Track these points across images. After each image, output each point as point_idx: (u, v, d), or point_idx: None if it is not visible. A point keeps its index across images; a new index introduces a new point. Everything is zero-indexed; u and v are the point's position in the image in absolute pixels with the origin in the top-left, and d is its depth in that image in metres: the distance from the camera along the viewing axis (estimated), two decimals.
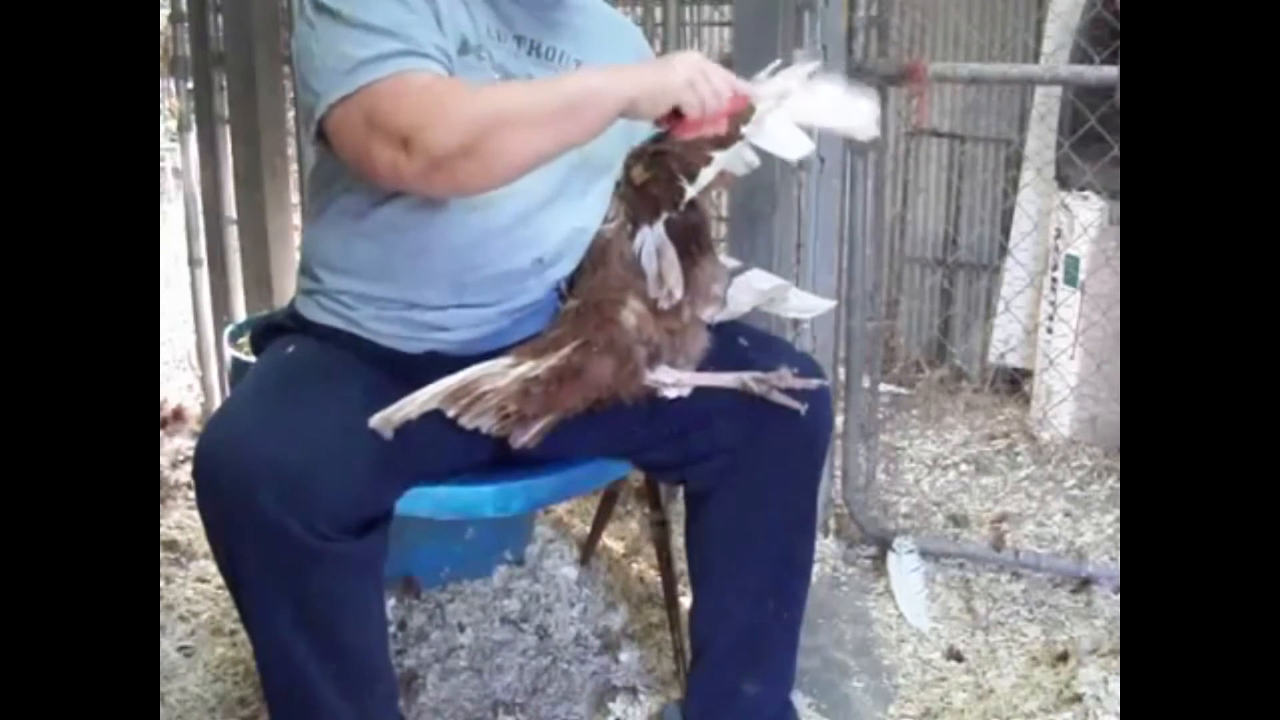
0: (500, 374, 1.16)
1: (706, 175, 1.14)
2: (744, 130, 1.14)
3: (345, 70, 1.10)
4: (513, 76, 1.23)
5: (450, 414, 1.14)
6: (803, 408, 1.24)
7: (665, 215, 1.19)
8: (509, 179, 1.12)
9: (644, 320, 1.21)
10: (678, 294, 1.20)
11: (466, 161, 1.08)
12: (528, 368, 1.16)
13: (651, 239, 1.20)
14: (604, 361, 1.19)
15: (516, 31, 1.25)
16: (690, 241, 1.24)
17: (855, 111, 1.17)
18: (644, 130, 1.30)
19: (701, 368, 1.27)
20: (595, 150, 1.25)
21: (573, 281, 1.29)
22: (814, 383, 1.26)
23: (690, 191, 1.15)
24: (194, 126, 2.37)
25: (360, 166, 1.13)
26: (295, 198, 2.40)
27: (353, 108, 1.10)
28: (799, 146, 1.14)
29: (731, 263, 1.38)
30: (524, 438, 1.19)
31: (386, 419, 1.11)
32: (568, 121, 1.11)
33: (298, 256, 1.34)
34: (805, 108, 1.16)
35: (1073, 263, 2.38)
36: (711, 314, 1.28)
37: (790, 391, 1.25)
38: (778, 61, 1.24)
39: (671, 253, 1.20)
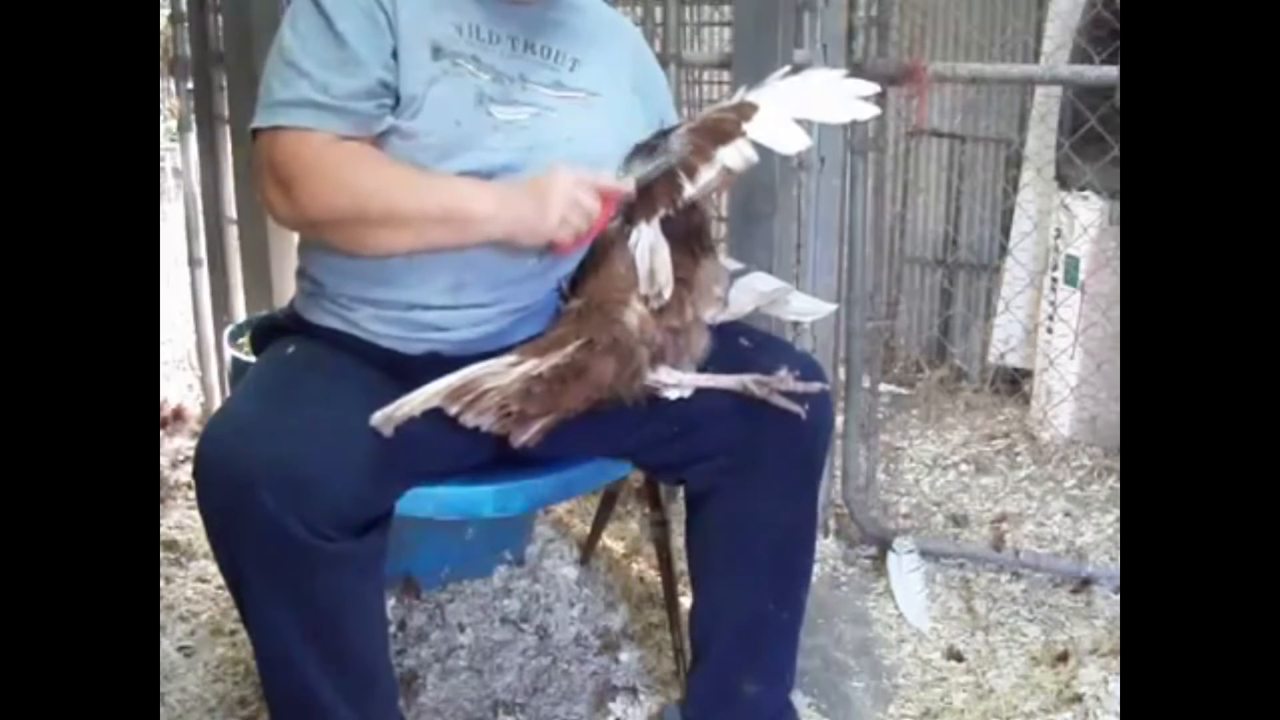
0: (502, 372, 1.16)
1: (707, 173, 1.15)
2: (745, 127, 1.14)
3: (265, 104, 1.18)
4: (505, 77, 1.23)
5: (451, 412, 1.14)
6: (803, 412, 1.24)
7: (663, 213, 1.19)
8: (373, 257, 1.20)
9: (646, 321, 1.20)
10: (667, 294, 1.20)
11: (335, 232, 1.19)
12: (530, 366, 1.16)
13: (646, 236, 1.20)
14: (606, 361, 1.19)
15: (511, 31, 1.25)
16: (692, 242, 1.24)
17: (850, 98, 1.18)
18: (643, 128, 1.31)
19: (703, 368, 1.27)
20: (592, 149, 1.26)
21: (575, 282, 1.29)
22: (815, 386, 1.26)
23: (690, 190, 1.15)
24: (194, 126, 2.36)
25: (258, 191, 1.22)
26: None
27: (261, 140, 1.18)
28: (796, 141, 1.15)
29: (733, 265, 1.38)
30: (524, 436, 1.19)
31: (388, 416, 1.10)
32: (439, 231, 1.17)
33: (297, 257, 1.34)
34: (802, 103, 1.17)
35: (1073, 263, 2.38)
36: (713, 315, 1.28)
37: (791, 394, 1.24)
38: (787, 67, 1.24)
39: (665, 251, 1.20)
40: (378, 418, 1.10)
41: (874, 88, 1.18)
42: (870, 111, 1.18)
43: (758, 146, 1.15)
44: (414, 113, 1.19)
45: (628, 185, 1.19)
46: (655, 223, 1.20)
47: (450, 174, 1.19)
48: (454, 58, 1.21)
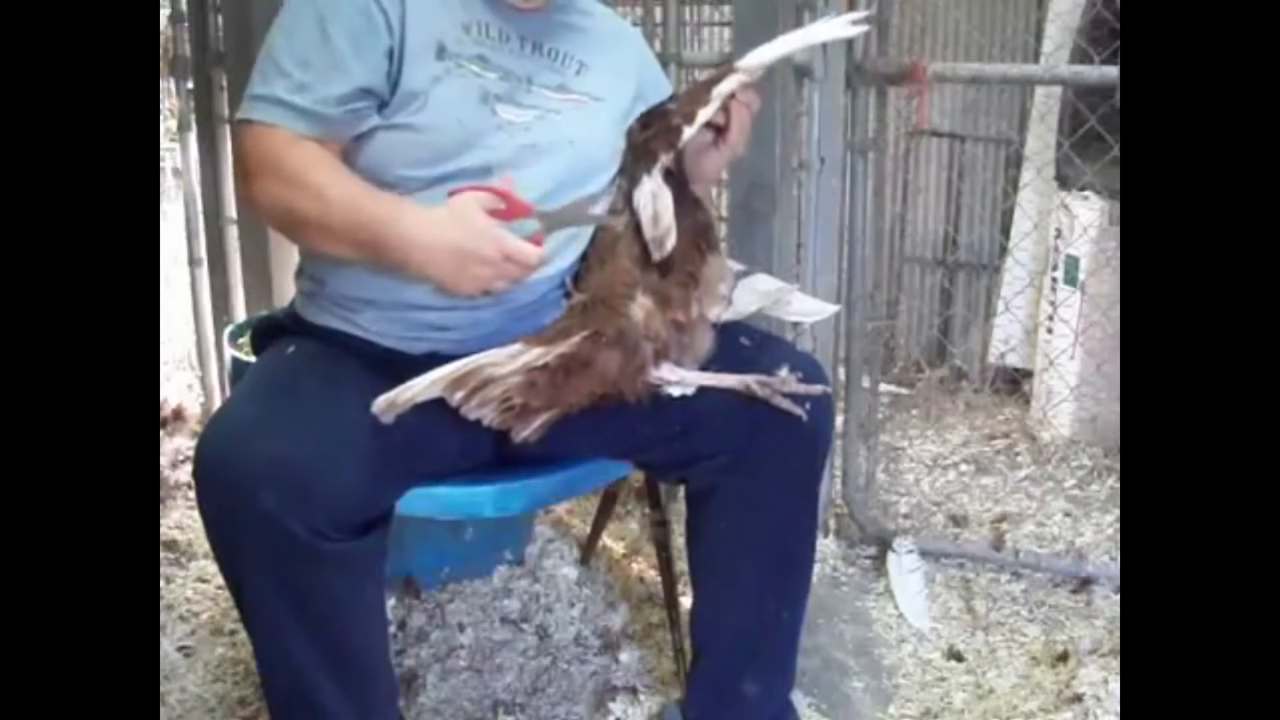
0: (506, 361, 1.15)
1: (704, 114, 1.16)
2: (735, 64, 1.16)
3: (248, 95, 1.19)
4: (514, 76, 1.24)
5: (454, 402, 1.13)
6: (804, 414, 1.24)
7: (664, 160, 1.18)
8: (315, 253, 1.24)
9: (651, 315, 1.20)
10: (670, 243, 1.19)
11: (281, 228, 1.23)
12: (535, 355, 1.15)
13: (647, 185, 1.19)
14: (611, 354, 1.19)
15: (520, 32, 1.26)
16: (699, 239, 1.24)
17: (834, 26, 1.21)
18: None
19: (704, 368, 1.26)
20: (593, 153, 1.26)
21: (579, 276, 1.28)
22: (817, 389, 1.26)
23: (688, 132, 1.16)
24: (194, 126, 2.37)
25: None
26: None
27: (238, 130, 1.20)
28: (787, 44, 1.18)
29: (737, 266, 1.38)
30: (525, 431, 1.18)
31: (391, 401, 1.10)
32: (362, 252, 1.16)
33: (298, 257, 1.34)
34: (789, 39, 1.20)
35: (1073, 263, 2.38)
36: (717, 313, 1.28)
37: (792, 395, 1.24)
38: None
39: (668, 196, 1.19)
40: (380, 403, 1.09)
41: (859, 15, 1.20)
42: (856, 30, 1.20)
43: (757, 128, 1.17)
44: (417, 109, 1.19)
45: (538, 254, 1.15)
46: (656, 173, 1.19)
47: (397, 200, 1.16)
48: (457, 59, 1.21)
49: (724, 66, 1.19)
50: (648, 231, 1.19)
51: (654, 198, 1.18)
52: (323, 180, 1.15)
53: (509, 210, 1.14)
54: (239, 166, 1.22)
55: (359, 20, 1.17)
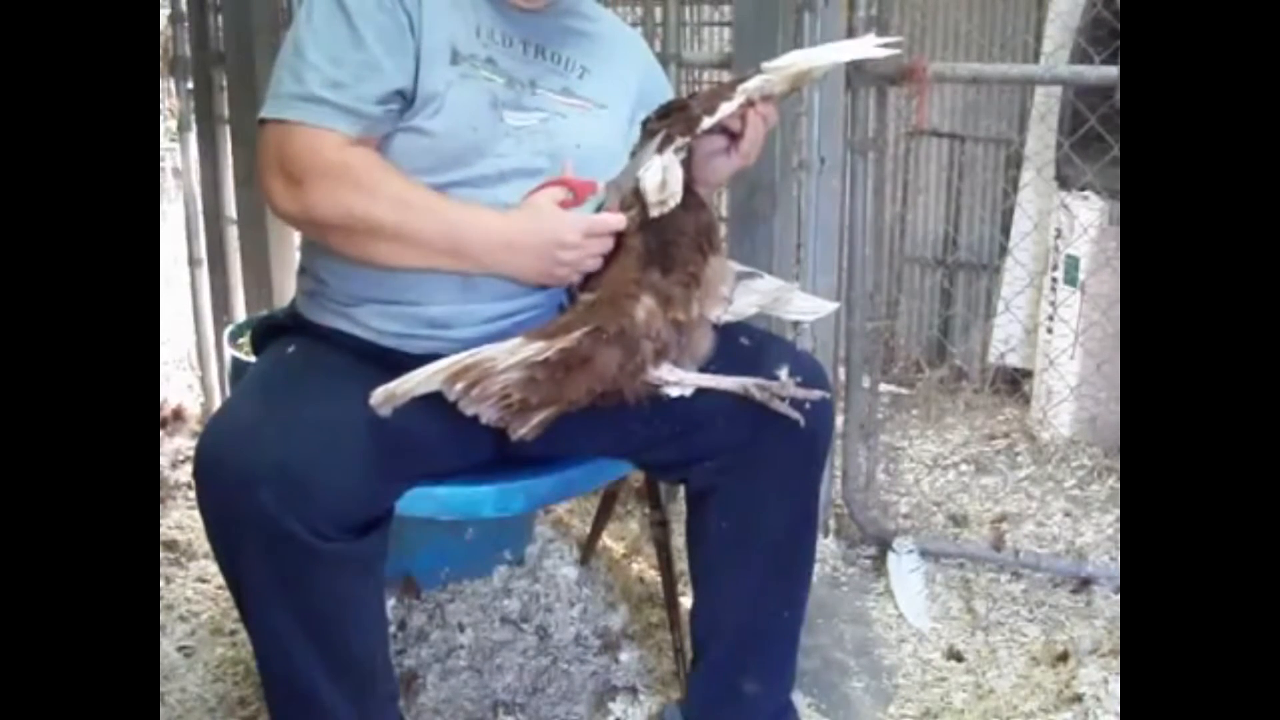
0: (506, 356, 1.13)
1: (726, 108, 1.16)
2: (762, 66, 1.17)
3: (275, 95, 1.17)
4: (518, 81, 1.24)
5: (453, 395, 1.12)
6: (802, 419, 1.24)
7: (679, 142, 1.18)
8: (366, 266, 1.20)
9: (654, 316, 1.20)
10: (672, 203, 1.18)
11: (338, 236, 1.18)
12: (536, 350, 1.14)
13: (660, 160, 1.18)
14: (612, 352, 1.18)
15: (524, 36, 1.27)
16: (701, 240, 1.24)
17: (858, 46, 1.23)
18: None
19: (704, 368, 1.26)
20: (600, 155, 1.26)
21: (586, 275, 1.28)
22: (816, 394, 1.26)
23: (708, 122, 1.16)
24: (194, 126, 2.37)
25: (259, 180, 1.20)
26: None
27: (269, 131, 1.17)
28: (819, 57, 1.20)
29: (738, 268, 1.38)
30: (523, 429, 1.18)
31: (389, 393, 1.08)
32: (443, 260, 1.18)
33: (298, 256, 1.34)
34: (815, 53, 1.23)
35: (1073, 263, 2.38)
36: (718, 314, 1.28)
37: (792, 399, 1.24)
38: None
39: (679, 171, 1.18)
40: (378, 395, 1.08)
41: (884, 40, 1.20)
42: (884, 52, 1.20)
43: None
44: (432, 113, 1.19)
45: (619, 220, 1.20)
46: (670, 152, 1.18)
47: (470, 204, 1.19)
48: (471, 61, 1.21)
49: (750, 70, 1.19)
50: (652, 196, 1.17)
51: (665, 170, 1.18)
52: (397, 187, 1.16)
53: (577, 196, 1.20)
54: (282, 168, 1.15)
55: (387, 21, 1.17)
